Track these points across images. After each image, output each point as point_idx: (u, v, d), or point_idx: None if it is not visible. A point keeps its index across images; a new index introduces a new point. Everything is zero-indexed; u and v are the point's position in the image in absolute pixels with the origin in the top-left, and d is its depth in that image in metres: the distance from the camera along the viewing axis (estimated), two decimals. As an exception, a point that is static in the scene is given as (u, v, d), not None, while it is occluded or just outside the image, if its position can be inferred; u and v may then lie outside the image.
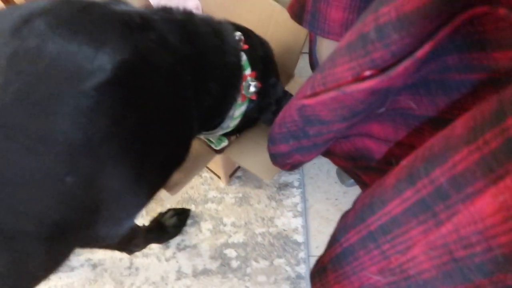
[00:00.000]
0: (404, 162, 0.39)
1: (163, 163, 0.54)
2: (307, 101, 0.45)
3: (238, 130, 0.79)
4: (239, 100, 0.67)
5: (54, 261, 0.44)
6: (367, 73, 0.36)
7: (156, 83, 0.47)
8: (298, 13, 0.75)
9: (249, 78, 0.67)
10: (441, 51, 0.35)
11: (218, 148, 0.81)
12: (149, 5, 0.96)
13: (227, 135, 0.79)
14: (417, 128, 0.48)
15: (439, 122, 0.44)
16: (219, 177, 1.05)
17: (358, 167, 0.70)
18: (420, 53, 0.31)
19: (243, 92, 0.67)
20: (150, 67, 0.46)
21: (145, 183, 0.51)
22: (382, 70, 0.35)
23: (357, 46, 0.36)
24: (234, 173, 1.07)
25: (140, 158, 0.47)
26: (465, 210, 0.29)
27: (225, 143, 0.80)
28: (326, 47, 0.76)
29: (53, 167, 0.38)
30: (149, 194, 0.54)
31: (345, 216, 0.53)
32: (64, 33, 0.39)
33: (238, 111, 0.69)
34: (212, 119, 0.67)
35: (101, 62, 0.39)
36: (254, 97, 0.70)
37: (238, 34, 0.67)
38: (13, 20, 0.39)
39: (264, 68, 0.72)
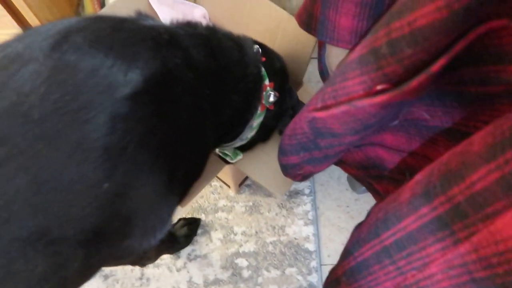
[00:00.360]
0: (419, 177, 0.38)
1: (187, 175, 0.56)
2: (318, 114, 0.45)
3: (252, 144, 0.80)
4: (259, 110, 0.69)
5: (89, 268, 0.45)
6: (379, 87, 0.35)
7: (179, 96, 0.49)
8: (306, 22, 0.74)
9: (268, 88, 0.69)
10: (457, 63, 0.34)
11: (234, 161, 0.81)
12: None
13: (242, 148, 0.80)
14: (431, 139, 0.47)
15: (454, 133, 0.42)
16: (228, 186, 1.05)
17: (370, 176, 0.69)
18: (435, 67, 0.30)
19: (263, 102, 0.69)
20: (175, 81, 0.48)
21: (175, 192, 0.53)
22: (395, 84, 0.34)
23: (368, 60, 0.35)
24: (243, 182, 1.06)
25: (170, 167, 0.49)
26: (485, 230, 0.28)
27: (240, 156, 0.81)
28: (335, 55, 0.75)
29: (92, 174, 0.39)
30: (174, 206, 0.56)
31: (358, 229, 0.52)
32: (100, 48, 0.42)
33: (256, 121, 0.71)
34: (233, 129, 0.69)
35: (133, 75, 0.42)
36: (272, 107, 0.72)
37: (256, 47, 0.69)
38: (52, 36, 0.42)
39: (280, 79, 0.74)
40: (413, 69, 0.32)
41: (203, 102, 0.55)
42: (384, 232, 0.42)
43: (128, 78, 0.41)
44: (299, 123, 0.53)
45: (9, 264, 0.36)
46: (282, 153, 0.63)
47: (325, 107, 0.44)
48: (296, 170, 0.63)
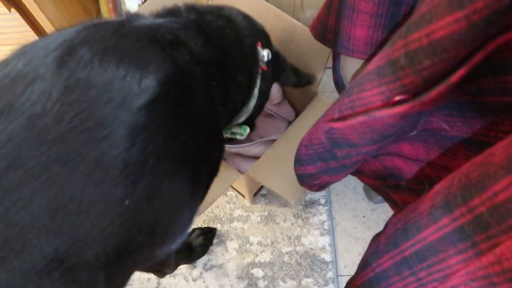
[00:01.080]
0: (438, 188, 0.38)
1: (208, 172, 0.54)
2: (335, 125, 0.45)
3: (254, 115, 0.79)
4: (259, 73, 0.69)
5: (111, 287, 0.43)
6: (398, 98, 0.35)
7: (195, 93, 0.48)
8: (321, 33, 0.75)
9: (259, 48, 0.68)
10: (476, 74, 0.34)
11: (244, 135, 0.80)
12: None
13: (246, 122, 0.79)
14: (450, 149, 0.47)
15: (473, 143, 0.42)
16: (243, 196, 1.05)
17: (388, 186, 0.68)
18: (454, 78, 0.30)
19: (260, 63, 0.68)
20: (189, 79, 0.47)
21: (198, 195, 0.52)
22: (414, 95, 0.34)
23: (386, 72, 0.35)
24: (258, 192, 1.06)
25: (192, 171, 0.47)
26: (509, 242, 0.28)
27: (247, 131, 0.80)
28: (350, 65, 0.75)
29: (112, 192, 0.38)
30: (197, 206, 0.54)
31: (376, 240, 0.52)
32: (110, 60, 0.40)
33: (256, 86, 0.70)
34: (243, 104, 0.68)
35: (148, 82, 0.41)
36: (265, 68, 0.70)
37: (239, 13, 0.68)
38: (54, 50, 0.40)
39: (265, 40, 0.73)
40: (431, 80, 0.32)
41: (213, 95, 0.54)
42: (404, 243, 0.41)
43: (143, 87, 0.40)
44: (316, 134, 0.53)
45: None
46: (298, 163, 0.63)
47: (343, 118, 0.44)
48: (312, 180, 0.63)
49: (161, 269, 0.81)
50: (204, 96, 0.51)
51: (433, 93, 0.32)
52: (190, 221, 0.53)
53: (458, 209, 0.32)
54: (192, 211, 0.52)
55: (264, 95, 0.76)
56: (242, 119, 0.74)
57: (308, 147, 0.58)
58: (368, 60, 0.69)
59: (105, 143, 0.37)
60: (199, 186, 0.51)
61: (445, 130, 0.45)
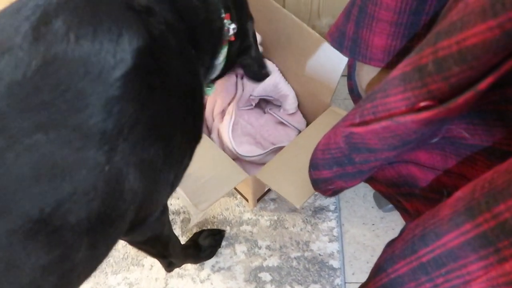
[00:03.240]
0: (459, 194, 0.38)
1: (187, 139, 0.56)
2: (356, 129, 0.46)
3: (218, 77, 0.82)
4: (223, 45, 0.70)
5: (95, 256, 0.45)
6: (423, 104, 0.36)
7: (171, 63, 0.50)
8: (338, 40, 0.75)
9: (226, 21, 0.68)
10: (501, 82, 0.34)
11: (209, 94, 0.83)
12: None
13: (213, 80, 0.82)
14: (469, 158, 0.47)
15: (494, 152, 0.43)
16: (246, 200, 1.05)
17: (401, 194, 0.69)
18: (482, 85, 0.31)
19: (225, 36, 0.70)
20: (164, 49, 0.48)
21: (175, 161, 0.53)
22: (440, 101, 0.34)
23: (412, 78, 0.36)
24: (262, 197, 1.07)
25: (168, 137, 0.49)
26: (534, 248, 0.28)
27: (214, 89, 0.83)
28: (366, 73, 0.76)
29: (92, 158, 0.40)
30: (179, 172, 0.56)
31: (391, 245, 0.52)
32: (85, 33, 0.41)
33: (222, 55, 0.71)
34: (206, 74, 0.70)
35: (123, 54, 0.42)
36: (233, 39, 0.72)
37: None
38: (27, 18, 0.41)
39: (238, 11, 0.73)
40: (459, 87, 0.33)
41: (194, 64, 0.56)
42: (422, 249, 0.42)
43: (118, 59, 0.41)
44: (334, 138, 0.54)
45: (9, 257, 0.35)
46: (313, 167, 0.64)
47: (364, 123, 0.45)
48: (327, 185, 0.64)
49: (165, 253, 0.81)
50: (181, 65, 0.52)
51: (461, 99, 0.32)
52: (168, 189, 0.55)
53: (482, 215, 0.33)
54: (170, 178, 0.53)
55: (229, 64, 0.78)
56: (208, 79, 0.77)
57: (324, 152, 0.58)
58: (386, 68, 0.70)
59: (83, 114, 0.39)
60: (175, 153, 0.52)
61: (465, 139, 0.45)
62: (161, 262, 0.90)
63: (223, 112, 1.08)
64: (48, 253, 0.37)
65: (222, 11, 0.67)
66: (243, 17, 0.76)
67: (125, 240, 0.68)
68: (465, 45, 0.29)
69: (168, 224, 0.74)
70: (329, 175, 0.60)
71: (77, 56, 0.40)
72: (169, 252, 0.82)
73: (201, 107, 0.61)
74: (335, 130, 0.54)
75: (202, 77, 0.60)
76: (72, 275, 0.42)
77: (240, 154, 0.97)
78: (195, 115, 0.58)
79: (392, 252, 0.50)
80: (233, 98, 1.09)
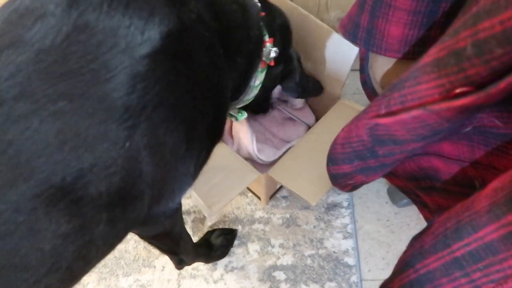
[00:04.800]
0: (497, 184, 0.36)
1: (207, 133, 0.56)
2: (382, 120, 0.44)
3: (255, 105, 0.82)
4: (260, 67, 0.70)
5: (115, 234, 0.45)
6: (459, 90, 0.34)
7: (197, 53, 0.50)
8: (351, 32, 0.74)
9: (268, 44, 0.70)
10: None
11: (239, 120, 0.83)
12: None
13: (246, 108, 0.82)
14: (500, 147, 0.45)
15: (529, 140, 0.41)
16: (259, 197, 1.04)
17: (420, 188, 0.67)
18: (527, 68, 0.29)
19: (263, 58, 0.70)
20: (192, 38, 0.49)
21: (194, 153, 0.53)
22: (477, 87, 0.33)
23: (448, 63, 0.34)
24: (274, 195, 1.05)
25: (189, 125, 0.49)
26: None
27: (245, 115, 0.83)
28: (381, 65, 0.74)
29: (114, 132, 0.40)
30: (196, 167, 0.56)
31: (419, 240, 0.50)
32: (118, 5, 0.42)
33: (258, 79, 0.72)
34: (237, 91, 0.70)
35: (151, 33, 0.42)
36: (272, 63, 0.72)
37: (256, 3, 0.69)
38: None
39: (282, 36, 0.75)
40: (499, 71, 0.31)
41: (220, 60, 0.55)
42: (456, 243, 0.40)
43: (146, 37, 0.42)
44: (356, 131, 0.52)
45: (32, 221, 0.36)
46: (332, 162, 0.62)
47: (391, 113, 0.43)
48: (346, 180, 0.62)
49: (175, 249, 0.81)
50: (207, 58, 0.52)
51: (502, 84, 0.30)
52: (186, 181, 0.55)
53: None
54: (188, 169, 0.53)
55: (266, 91, 0.79)
56: (239, 105, 0.77)
57: (345, 145, 0.56)
58: (402, 59, 0.68)
59: (108, 86, 0.39)
60: (195, 144, 0.52)
61: (497, 127, 0.44)
62: (171, 259, 0.89)
63: (228, 113, 1.07)
64: (68, 222, 0.38)
65: (265, 32, 0.69)
66: (286, 42, 0.77)
67: (135, 233, 0.68)
68: (511, 25, 0.28)
69: (180, 221, 0.73)
70: (349, 169, 0.58)
71: (107, 26, 0.40)
72: (179, 249, 0.81)
73: (223, 109, 0.61)
74: (357, 123, 0.52)
75: (229, 80, 0.60)
76: (91, 248, 0.42)
77: (262, 161, 0.96)
78: (218, 112, 0.58)
79: (420, 247, 0.48)
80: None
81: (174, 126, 0.46)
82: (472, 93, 0.32)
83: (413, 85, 0.39)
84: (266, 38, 0.70)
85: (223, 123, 0.61)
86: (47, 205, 0.36)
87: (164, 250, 0.81)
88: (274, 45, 0.71)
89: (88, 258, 0.42)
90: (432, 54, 0.37)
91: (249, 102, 0.78)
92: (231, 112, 0.81)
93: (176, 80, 0.45)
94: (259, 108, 0.90)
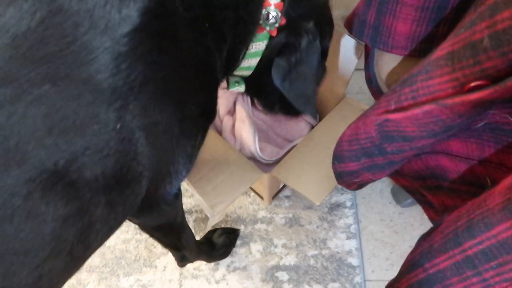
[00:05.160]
0: (511, 182, 0.36)
1: (199, 112, 0.54)
2: (392, 116, 0.43)
3: (257, 84, 0.70)
4: (256, 33, 0.61)
5: (114, 217, 0.45)
6: (473, 84, 0.33)
7: (179, 29, 0.48)
8: (357, 29, 0.73)
9: (270, 8, 0.59)
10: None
11: (230, 89, 0.72)
12: None
13: (248, 87, 0.73)
14: (511, 145, 0.45)
15: (542, 137, 0.40)
16: (261, 197, 1.03)
17: (427, 187, 0.66)
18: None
19: (261, 22, 0.60)
20: (171, 14, 0.47)
21: (188, 133, 0.52)
22: (493, 80, 0.32)
23: (463, 56, 0.33)
24: (277, 194, 1.04)
25: (179, 104, 0.48)
26: None
27: (241, 87, 0.72)
28: (387, 62, 0.74)
29: (103, 114, 0.39)
30: (193, 148, 0.55)
31: (427, 239, 0.49)
32: None
33: (254, 47, 0.63)
34: (230, 61, 0.62)
35: (128, 10, 0.41)
36: (273, 33, 0.62)
37: None
38: None
39: (298, 5, 0.63)
40: (517, 63, 0.30)
41: (205, 36, 0.52)
42: (468, 241, 0.39)
43: (124, 15, 0.41)
44: (364, 128, 0.51)
45: (29, 205, 0.36)
46: (338, 160, 0.61)
47: (401, 109, 0.42)
48: (352, 178, 0.61)
49: (178, 244, 0.80)
50: (190, 34, 0.50)
51: (520, 76, 0.29)
52: (184, 163, 0.53)
53: None
54: (185, 151, 0.52)
55: (266, 67, 0.66)
56: (238, 74, 0.67)
57: (352, 143, 0.56)
58: (408, 56, 0.67)
59: (91, 67, 0.39)
60: (188, 124, 0.51)
61: (509, 124, 0.43)
62: (174, 255, 0.88)
63: (229, 112, 1.06)
64: (66, 205, 0.38)
65: None
66: (308, 17, 0.64)
67: (137, 224, 0.67)
68: (531, 14, 0.27)
69: (181, 212, 0.72)
70: (356, 167, 0.57)
71: (82, 8, 0.39)
72: (182, 243, 0.80)
73: (213, 85, 0.58)
74: (365, 120, 0.51)
75: (217, 53, 0.56)
76: (91, 231, 0.42)
77: (265, 160, 0.95)
78: (208, 91, 0.56)
79: (429, 246, 0.47)
80: (236, 95, 1.06)
81: (164, 105, 0.45)
82: (488, 87, 0.32)
83: (425, 79, 0.38)
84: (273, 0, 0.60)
85: (214, 101, 0.59)
86: (42, 189, 0.36)
87: (167, 244, 0.81)
88: (282, 12, 0.60)
89: (88, 242, 0.42)
90: (446, 47, 0.36)
91: (248, 75, 0.68)
92: (229, 79, 0.73)
93: (160, 58, 0.44)
94: (261, 92, 0.76)
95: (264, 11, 0.60)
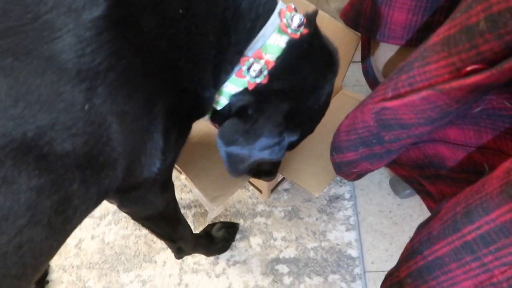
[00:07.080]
0: (509, 166, 0.36)
1: (170, 109, 0.52)
2: (389, 104, 0.43)
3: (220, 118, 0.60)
4: (233, 74, 0.54)
5: (89, 196, 0.45)
6: (470, 68, 0.33)
7: (147, 22, 0.47)
8: (353, 19, 0.73)
9: (259, 59, 0.52)
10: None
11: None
12: None
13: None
14: (508, 130, 0.45)
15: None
16: (260, 191, 1.03)
17: (425, 176, 0.66)
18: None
19: (243, 68, 0.53)
20: (139, 4, 0.46)
21: (159, 127, 0.51)
22: (490, 64, 0.32)
23: (459, 40, 0.33)
24: (275, 188, 1.04)
25: (145, 96, 0.47)
26: None
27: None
28: (383, 53, 0.74)
29: (69, 93, 0.39)
30: (166, 144, 0.52)
31: (426, 226, 0.49)
32: None
33: (229, 86, 0.55)
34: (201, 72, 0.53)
35: None
36: (250, 86, 0.54)
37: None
38: None
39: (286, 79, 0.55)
40: (514, 46, 0.30)
41: (176, 34, 0.48)
42: (466, 226, 0.39)
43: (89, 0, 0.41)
44: (361, 117, 0.51)
45: (2, 171, 0.36)
46: (336, 150, 0.61)
47: (398, 96, 0.42)
48: (351, 168, 0.61)
49: (173, 236, 0.79)
50: (161, 30, 0.48)
51: (517, 59, 0.29)
52: (157, 155, 0.52)
53: None
54: (156, 144, 0.52)
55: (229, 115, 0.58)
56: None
57: (349, 132, 0.56)
58: (404, 46, 0.67)
59: (55, 46, 0.38)
60: (158, 119, 0.50)
61: (506, 109, 0.43)
62: (170, 247, 0.88)
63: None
64: (39, 176, 0.39)
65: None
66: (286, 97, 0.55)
67: (127, 213, 0.67)
68: (526, -5, 0.27)
69: (173, 204, 0.72)
70: (354, 157, 0.58)
71: None
72: (176, 234, 0.80)
73: (181, 86, 0.53)
74: (362, 109, 0.51)
75: (188, 61, 0.51)
76: (69, 206, 0.43)
77: None
78: (177, 92, 0.52)
79: (428, 234, 0.47)
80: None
81: (129, 94, 0.45)
82: (484, 70, 0.32)
83: (422, 65, 0.38)
84: (269, 57, 0.53)
85: (186, 101, 0.54)
86: (13, 157, 0.37)
87: (161, 235, 0.80)
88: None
89: (66, 216, 0.43)
90: (442, 32, 0.36)
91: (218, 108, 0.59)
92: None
93: (125, 47, 0.44)
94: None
95: (251, 60, 0.52)
